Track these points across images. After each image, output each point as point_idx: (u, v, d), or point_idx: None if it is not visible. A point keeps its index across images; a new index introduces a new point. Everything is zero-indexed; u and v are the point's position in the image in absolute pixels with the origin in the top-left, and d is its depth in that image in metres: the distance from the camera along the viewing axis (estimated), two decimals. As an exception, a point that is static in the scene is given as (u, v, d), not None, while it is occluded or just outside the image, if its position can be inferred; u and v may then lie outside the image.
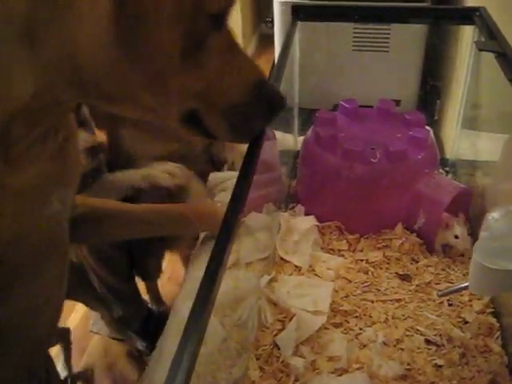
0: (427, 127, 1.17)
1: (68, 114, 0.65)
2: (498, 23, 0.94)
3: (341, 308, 0.84)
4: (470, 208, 0.99)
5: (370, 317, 0.82)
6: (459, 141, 1.17)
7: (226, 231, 0.59)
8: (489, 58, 0.90)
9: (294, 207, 1.05)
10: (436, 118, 1.36)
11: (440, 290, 0.85)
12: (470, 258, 0.74)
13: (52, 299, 0.70)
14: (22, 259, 0.62)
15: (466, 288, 0.76)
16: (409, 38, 1.31)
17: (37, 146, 0.58)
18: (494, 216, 0.68)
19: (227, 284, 0.84)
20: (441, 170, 1.16)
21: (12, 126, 0.53)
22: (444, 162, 1.19)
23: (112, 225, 0.87)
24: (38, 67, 0.50)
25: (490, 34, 0.92)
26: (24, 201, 0.59)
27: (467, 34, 1.09)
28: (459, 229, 0.92)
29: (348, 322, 0.82)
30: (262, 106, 0.63)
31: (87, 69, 0.52)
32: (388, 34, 1.30)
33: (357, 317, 0.83)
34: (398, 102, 1.35)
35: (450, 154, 1.22)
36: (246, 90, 0.61)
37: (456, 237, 0.93)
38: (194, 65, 0.55)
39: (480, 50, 0.93)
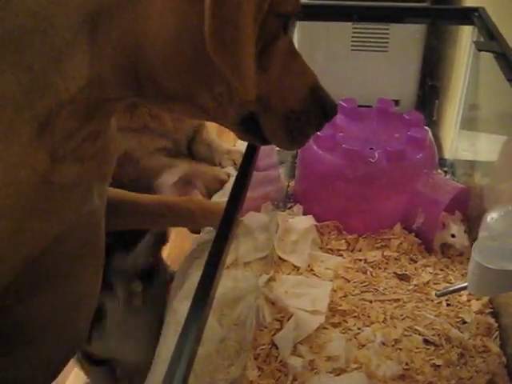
0: (426, 127, 1.17)
1: (114, 115, 0.63)
2: (497, 23, 0.94)
3: (339, 308, 0.83)
4: (468, 208, 0.99)
5: (369, 317, 0.82)
6: (458, 141, 1.17)
7: (224, 231, 0.59)
8: (488, 58, 0.90)
9: (292, 207, 1.05)
10: (435, 118, 1.36)
11: (438, 290, 0.85)
12: (468, 258, 0.74)
13: (87, 296, 0.70)
14: (62, 255, 0.62)
15: (464, 288, 0.76)
16: (408, 37, 1.31)
17: (85, 146, 0.56)
18: (492, 216, 0.68)
19: (225, 283, 0.83)
20: (439, 170, 1.16)
21: (59, 117, 0.51)
22: (442, 162, 1.19)
23: (126, 215, 0.86)
24: (94, 58, 0.49)
25: (490, 34, 0.92)
26: (68, 197, 0.58)
27: (466, 34, 1.09)
28: (455, 227, 0.92)
29: (346, 322, 0.82)
30: (316, 111, 0.62)
31: (149, 62, 0.51)
32: (387, 33, 1.30)
33: (355, 316, 0.83)
34: (397, 102, 1.35)
35: (448, 154, 1.22)
36: (303, 95, 0.61)
37: (453, 236, 0.93)
38: (260, 67, 0.55)
39: (479, 50, 0.93)
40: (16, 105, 0.48)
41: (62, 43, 0.47)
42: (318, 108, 0.62)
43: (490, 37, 0.91)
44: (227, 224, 0.58)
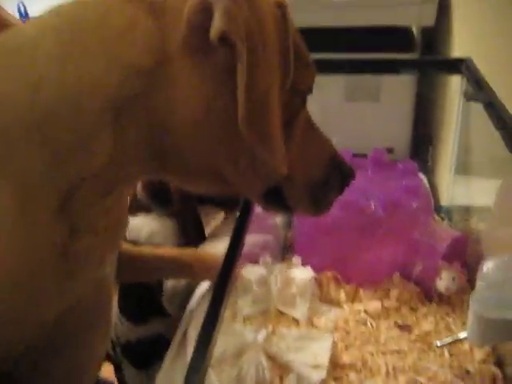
0: (421, 174, 1.19)
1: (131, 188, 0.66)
2: (486, 73, 0.96)
3: (340, 361, 0.83)
4: (466, 255, 0.99)
5: (370, 369, 0.81)
6: (453, 186, 1.18)
7: (221, 286, 0.60)
8: (477, 106, 0.92)
9: (290, 258, 1.05)
10: (429, 164, 1.37)
11: (440, 340, 0.85)
12: (469, 305, 0.74)
13: (96, 356, 0.71)
14: (73, 323, 0.63)
15: (464, 338, 0.76)
16: (399, 87, 1.34)
17: (101, 219, 0.58)
18: (488, 266, 0.69)
19: (225, 339, 0.83)
20: (436, 217, 1.16)
21: (80, 193, 0.52)
22: (439, 209, 1.19)
23: (123, 270, 0.87)
24: (118, 137, 0.50)
25: (477, 84, 0.94)
26: (82, 268, 0.59)
27: (455, 84, 1.12)
28: (444, 272, 0.92)
29: (348, 376, 0.81)
30: (336, 178, 0.64)
31: (174, 141, 0.52)
32: (379, 84, 1.33)
33: (357, 370, 0.81)
34: (391, 150, 1.37)
35: (444, 200, 1.23)
36: (325, 164, 0.63)
37: (440, 278, 0.92)
38: (284, 141, 0.56)
39: (468, 100, 0.95)
40: (41, 181, 0.50)
41: (87, 125, 0.49)
42: (338, 174, 0.64)
43: (477, 87, 0.94)
44: (222, 285, 0.58)
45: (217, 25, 0.46)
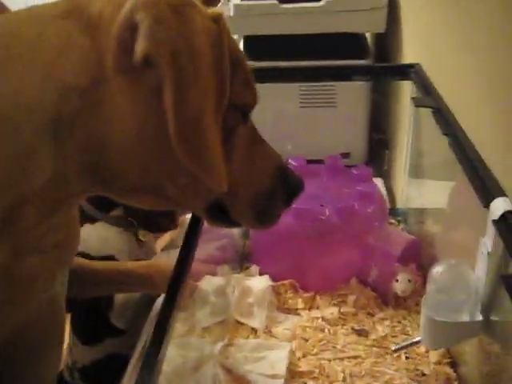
0: (377, 178, 1.20)
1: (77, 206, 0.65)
2: (435, 79, 0.98)
3: (298, 369, 0.83)
4: (421, 258, 1.01)
5: (328, 376, 0.82)
6: (408, 190, 1.20)
7: (170, 301, 0.59)
8: (427, 111, 0.93)
9: (248, 267, 1.05)
10: (386, 168, 1.39)
11: (397, 344, 0.86)
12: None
13: (48, 376, 0.70)
14: (23, 343, 0.62)
15: (419, 342, 0.77)
16: (354, 93, 1.35)
17: (48, 237, 0.57)
18: (438, 270, 0.70)
19: (181, 353, 0.82)
20: (392, 220, 1.18)
21: (22, 213, 0.51)
22: (395, 212, 1.21)
23: (84, 284, 0.86)
24: (58, 157, 0.50)
25: (425, 89, 0.96)
26: (30, 288, 0.58)
27: (407, 89, 1.14)
28: (401, 274, 0.93)
29: (306, 384, 0.81)
30: (283, 190, 0.64)
31: (113, 159, 0.52)
32: (334, 90, 1.35)
33: (314, 377, 0.82)
34: (347, 155, 1.38)
35: (400, 203, 1.24)
36: (269, 178, 0.62)
37: (396, 280, 0.94)
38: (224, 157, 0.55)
39: (416, 106, 0.97)
40: None
41: (25, 144, 0.49)
42: (284, 186, 0.64)
43: (425, 92, 0.95)
44: (171, 298, 0.58)
45: (140, 46, 0.46)
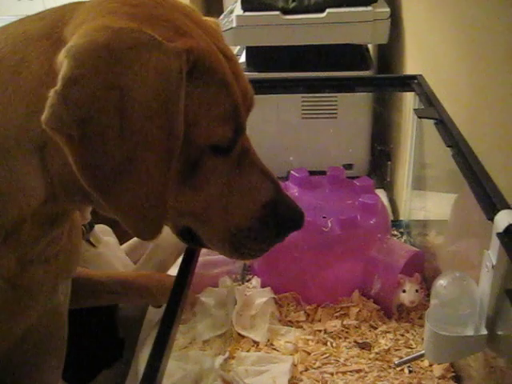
0: (380, 190, 1.20)
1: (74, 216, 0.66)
2: (438, 90, 0.97)
3: (300, 383, 0.82)
4: (424, 270, 1.00)
5: (331, 390, 0.81)
6: (411, 201, 1.19)
7: (171, 313, 0.58)
8: (429, 122, 0.93)
9: (250, 279, 1.04)
10: (388, 179, 1.38)
11: (400, 358, 0.85)
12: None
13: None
14: (25, 352, 0.63)
15: (422, 356, 0.76)
16: (356, 104, 1.35)
17: (50, 248, 0.59)
18: (441, 283, 0.69)
19: (183, 365, 0.81)
20: (395, 232, 1.17)
21: (23, 230, 0.54)
22: (398, 224, 1.20)
23: (83, 294, 0.85)
24: (48, 177, 0.52)
25: (428, 100, 0.95)
26: (34, 297, 0.60)
27: (409, 100, 1.13)
28: (408, 284, 0.92)
29: (308, 398, 0.80)
30: (271, 227, 0.58)
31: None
32: (336, 101, 1.34)
33: (317, 391, 0.81)
34: (350, 166, 1.38)
35: (403, 215, 1.24)
36: (253, 212, 0.57)
37: (403, 291, 0.93)
38: (189, 186, 0.53)
39: (419, 117, 0.96)
40: None
41: (18, 168, 0.51)
42: (271, 222, 0.58)
43: (428, 103, 0.95)
44: (173, 308, 0.57)
45: (44, 115, 0.44)
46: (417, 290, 0.92)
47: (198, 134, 0.51)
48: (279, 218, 0.59)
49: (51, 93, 0.44)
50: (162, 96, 0.46)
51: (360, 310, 0.94)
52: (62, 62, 0.44)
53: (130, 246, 1.17)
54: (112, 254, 1.05)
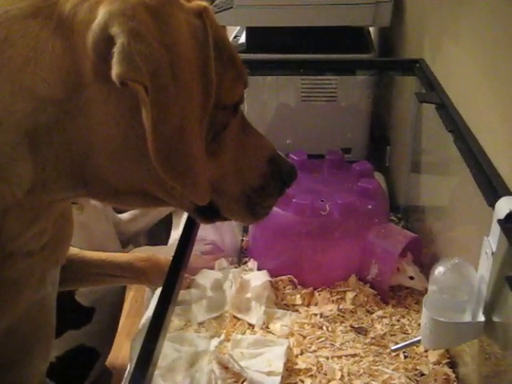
0: (378, 174, 1.19)
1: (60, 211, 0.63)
2: (439, 74, 0.96)
3: (295, 366, 0.82)
4: (422, 256, 1.00)
5: (325, 374, 0.80)
6: (409, 186, 1.19)
7: (166, 295, 0.58)
8: (430, 107, 0.92)
9: (246, 262, 1.03)
10: (387, 164, 1.37)
11: (396, 343, 0.85)
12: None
13: (36, 374, 0.69)
14: (13, 344, 0.61)
15: (418, 342, 0.75)
16: (356, 87, 1.33)
17: (33, 242, 0.56)
18: (440, 269, 0.69)
19: (177, 347, 0.81)
20: (393, 217, 1.17)
21: (5, 222, 0.51)
22: (396, 209, 1.20)
23: (79, 276, 0.85)
24: (38, 165, 0.49)
25: (430, 85, 0.94)
26: (20, 289, 0.58)
27: (410, 84, 1.12)
28: (411, 269, 0.92)
29: (303, 382, 0.80)
30: (275, 181, 0.62)
31: (96, 166, 0.50)
32: (336, 84, 1.33)
33: (312, 375, 0.81)
34: (348, 150, 1.36)
35: (401, 199, 1.23)
36: (261, 170, 0.60)
37: (411, 278, 0.93)
38: (212, 154, 0.54)
39: (420, 101, 0.95)
40: None
41: (4, 156, 0.47)
42: (277, 177, 0.62)
43: (430, 88, 0.94)
44: (168, 290, 0.57)
45: (115, 70, 0.42)
46: (417, 272, 0.93)
47: (224, 94, 0.52)
48: (281, 172, 0.62)
49: (118, 46, 0.42)
50: (197, 52, 0.47)
51: (356, 295, 0.94)
52: (111, 19, 0.43)
53: (132, 216, 1.18)
54: (95, 225, 1.05)
